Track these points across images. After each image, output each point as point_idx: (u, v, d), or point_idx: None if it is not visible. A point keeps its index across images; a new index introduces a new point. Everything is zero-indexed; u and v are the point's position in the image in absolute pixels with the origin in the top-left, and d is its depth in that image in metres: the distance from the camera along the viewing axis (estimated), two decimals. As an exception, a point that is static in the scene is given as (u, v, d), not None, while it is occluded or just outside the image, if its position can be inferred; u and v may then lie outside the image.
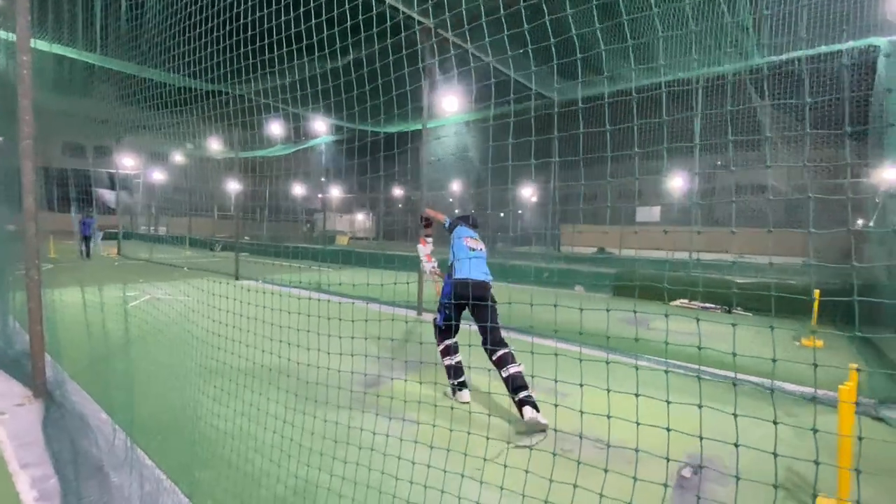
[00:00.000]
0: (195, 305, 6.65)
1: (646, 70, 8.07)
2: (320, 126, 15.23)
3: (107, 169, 26.59)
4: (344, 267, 14.97)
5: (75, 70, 11.08)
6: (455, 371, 3.72)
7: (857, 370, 2.30)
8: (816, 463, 1.69)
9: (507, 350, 3.35)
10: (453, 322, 3.72)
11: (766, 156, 8.14)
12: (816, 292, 5.87)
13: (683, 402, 1.87)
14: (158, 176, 24.39)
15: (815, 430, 1.68)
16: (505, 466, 2.26)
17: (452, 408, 3.53)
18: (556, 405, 2.28)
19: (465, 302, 3.55)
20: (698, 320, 1.90)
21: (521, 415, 3.18)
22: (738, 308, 8.13)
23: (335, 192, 28.40)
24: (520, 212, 27.01)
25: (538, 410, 3.16)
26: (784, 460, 2.64)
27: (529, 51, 2.27)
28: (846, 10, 6.38)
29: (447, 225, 4.06)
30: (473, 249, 3.76)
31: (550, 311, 2.33)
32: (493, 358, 3.36)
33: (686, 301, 8.68)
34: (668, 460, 1.89)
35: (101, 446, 2.84)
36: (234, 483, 2.48)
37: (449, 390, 3.82)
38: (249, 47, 4.50)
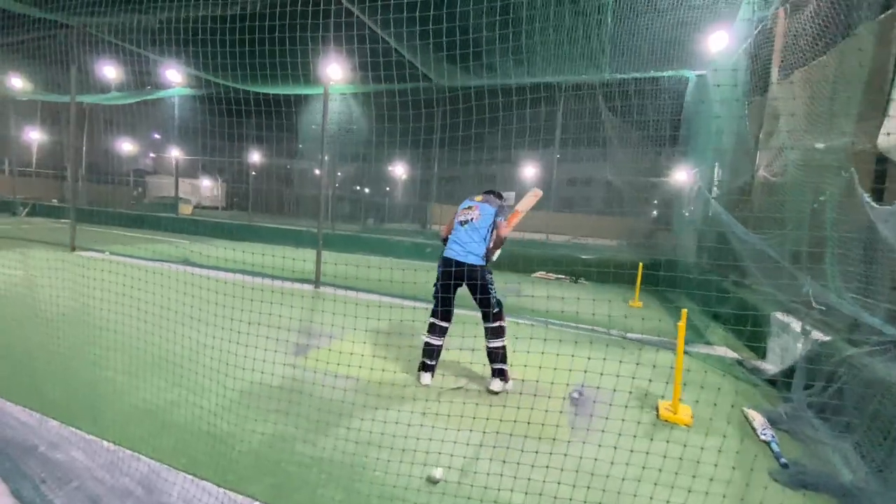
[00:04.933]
0: (37, 280, 5.60)
1: (522, 71, 9.10)
2: (173, 76, 13.28)
3: None
4: (198, 239, 13.57)
5: None
6: (426, 351, 3.63)
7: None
8: (649, 381, 2.57)
9: (495, 325, 3.49)
10: (441, 306, 3.55)
11: (607, 155, 10.00)
12: (640, 265, 7.64)
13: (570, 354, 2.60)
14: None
15: (638, 364, 2.53)
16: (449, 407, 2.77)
17: (383, 367, 3.89)
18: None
19: (456, 281, 3.48)
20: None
21: (490, 382, 3.58)
22: (582, 279, 9.94)
23: (178, 154, 24.79)
24: (387, 189, 27.30)
25: (505, 381, 3.57)
26: (633, 383, 3.69)
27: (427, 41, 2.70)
28: (674, 44, 8.08)
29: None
30: (465, 223, 3.57)
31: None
32: (485, 328, 3.55)
33: (544, 273, 10.25)
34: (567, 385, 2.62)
35: None
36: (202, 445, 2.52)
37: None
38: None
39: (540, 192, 4.32)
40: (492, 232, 3.61)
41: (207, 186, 35.22)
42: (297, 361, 3.87)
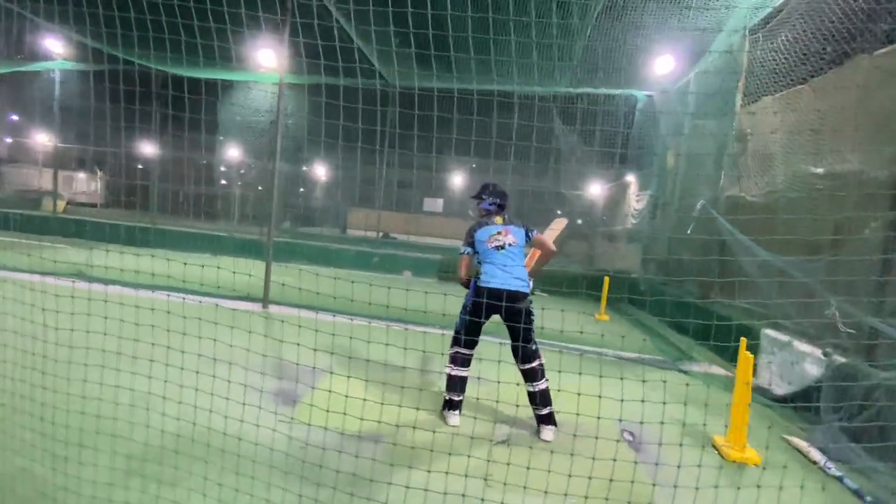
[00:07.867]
0: None
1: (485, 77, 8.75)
2: (53, 45, 10.89)
3: None
4: (84, 244, 11.24)
5: None
6: (452, 384, 3.24)
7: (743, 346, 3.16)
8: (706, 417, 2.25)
9: (535, 364, 3.14)
10: (470, 336, 3.21)
11: (559, 168, 10.05)
12: (606, 278, 7.64)
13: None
14: None
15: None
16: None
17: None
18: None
19: (493, 312, 3.13)
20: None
21: (539, 431, 3.17)
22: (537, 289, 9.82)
23: (52, 140, 20.67)
24: (301, 189, 25.34)
25: (555, 425, 3.17)
26: (668, 415, 3.34)
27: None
28: (627, 64, 8.24)
29: (465, 252, 3.35)
30: (502, 247, 3.21)
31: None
32: (522, 370, 3.16)
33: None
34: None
35: None
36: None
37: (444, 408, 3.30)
38: None
39: (566, 220, 4.13)
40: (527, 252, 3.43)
41: (82, 179, 30.14)
42: (287, 412, 2.99)
